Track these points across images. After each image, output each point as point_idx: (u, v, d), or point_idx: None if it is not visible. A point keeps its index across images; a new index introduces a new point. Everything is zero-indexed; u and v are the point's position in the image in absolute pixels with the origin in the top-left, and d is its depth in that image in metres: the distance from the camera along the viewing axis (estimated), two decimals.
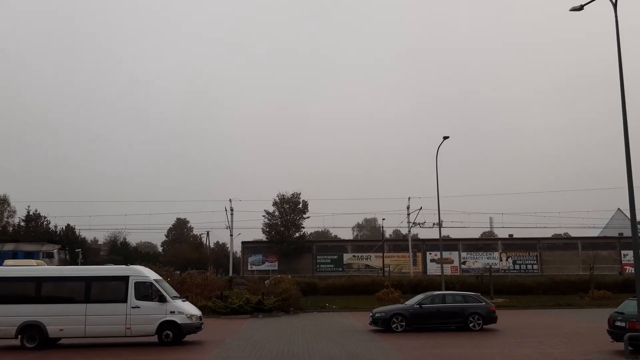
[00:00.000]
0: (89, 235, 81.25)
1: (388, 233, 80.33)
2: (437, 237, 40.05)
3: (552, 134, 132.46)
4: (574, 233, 68.37)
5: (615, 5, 16.42)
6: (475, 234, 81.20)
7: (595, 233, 68.53)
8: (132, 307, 19.07)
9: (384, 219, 64.76)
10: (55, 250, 47.58)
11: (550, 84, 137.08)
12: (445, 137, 34.93)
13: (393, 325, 22.94)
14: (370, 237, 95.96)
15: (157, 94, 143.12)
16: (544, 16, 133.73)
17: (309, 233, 69.17)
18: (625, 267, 55.92)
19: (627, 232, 54.67)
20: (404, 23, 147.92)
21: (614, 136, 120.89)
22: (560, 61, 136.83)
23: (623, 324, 16.69)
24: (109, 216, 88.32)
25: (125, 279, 19.46)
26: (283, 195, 63.47)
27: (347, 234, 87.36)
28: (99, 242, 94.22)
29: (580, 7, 17.40)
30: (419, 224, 58.65)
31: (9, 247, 47.51)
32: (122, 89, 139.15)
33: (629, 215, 16.72)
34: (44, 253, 46.37)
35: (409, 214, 58.90)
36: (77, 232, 70.31)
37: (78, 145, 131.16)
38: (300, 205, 63.42)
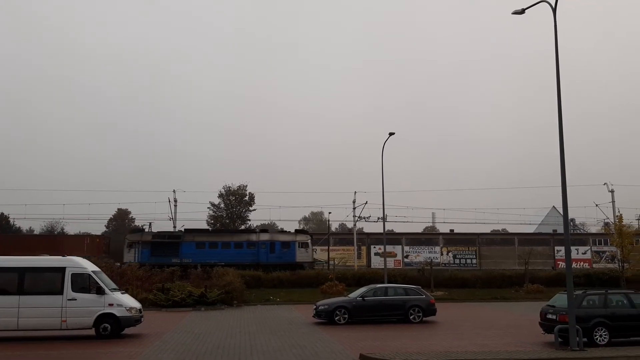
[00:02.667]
0: (24, 225, 77.94)
1: (334, 226, 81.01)
2: (382, 231, 40.66)
3: (493, 139, 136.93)
4: (511, 229, 70.94)
5: (554, 10, 17.06)
6: (418, 228, 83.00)
7: (531, 229, 71.32)
8: (68, 300, 18.50)
9: (330, 213, 65.30)
10: (309, 240, 46.61)
11: (496, 94, 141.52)
12: (391, 134, 35.39)
13: (336, 318, 23.18)
14: (316, 231, 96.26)
15: (102, 66, 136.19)
16: (490, 34, 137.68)
17: (255, 225, 68.81)
18: (558, 262, 58.33)
19: (561, 229, 57.11)
20: (368, 30, 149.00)
21: (550, 141, 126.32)
22: (502, 76, 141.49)
23: (554, 317, 17.47)
24: (45, 205, 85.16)
25: (61, 270, 18.84)
26: (229, 187, 62.90)
27: (293, 227, 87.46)
28: (35, 232, 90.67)
29: (522, 11, 18.00)
30: (364, 218, 59.40)
31: (264, 237, 46.01)
32: (61, 59, 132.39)
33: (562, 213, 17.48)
34: (300, 243, 45.33)
35: (354, 208, 59.55)
36: (11, 221, 67.52)
37: (15, 125, 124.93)
38: (247, 198, 62.98)
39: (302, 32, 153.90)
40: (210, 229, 53.38)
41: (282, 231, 52.03)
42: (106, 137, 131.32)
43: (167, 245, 43.05)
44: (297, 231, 49.09)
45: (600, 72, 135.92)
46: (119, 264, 38.38)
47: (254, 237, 46.00)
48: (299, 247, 44.78)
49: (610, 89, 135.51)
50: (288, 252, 43.92)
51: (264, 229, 52.77)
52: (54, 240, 44.94)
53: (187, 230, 47.21)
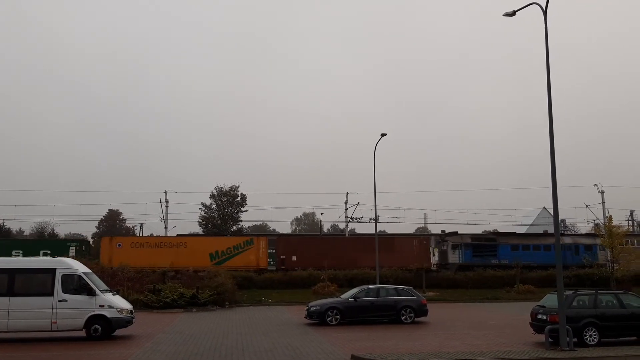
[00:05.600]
0: (14, 226, 77.56)
1: (326, 227, 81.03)
2: (374, 232, 40.70)
3: (484, 140, 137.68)
4: (502, 230, 71.05)
5: (545, 12, 17.16)
6: (410, 229, 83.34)
7: (522, 230, 71.51)
8: (58, 301, 18.40)
9: (322, 214, 65.66)
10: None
11: (489, 96, 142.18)
12: (383, 135, 35.47)
13: (328, 319, 23.18)
14: (308, 231, 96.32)
15: (90, 65, 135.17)
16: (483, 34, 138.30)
17: (246, 226, 68.76)
18: None
19: (551, 230, 57.18)
20: (366, 30, 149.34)
21: (541, 142, 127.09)
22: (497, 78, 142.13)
23: (544, 317, 17.54)
24: (36, 206, 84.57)
25: (52, 271, 18.74)
26: (221, 187, 62.74)
27: (285, 228, 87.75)
28: (25, 233, 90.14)
29: (513, 13, 18.10)
30: (356, 218, 59.53)
31: (567, 240, 47.57)
32: (52, 59, 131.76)
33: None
34: (601, 246, 45.65)
35: (346, 209, 59.63)
36: (1, 222, 67.02)
37: (4, 125, 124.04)
38: (239, 198, 62.84)
39: (297, 32, 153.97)
40: (516, 232, 55.15)
41: (579, 234, 54.76)
42: (97, 137, 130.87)
43: (486, 247, 46.49)
44: (592, 235, 50.94)
45: (592, 72, 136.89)
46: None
47: None
48: (600, 249, 46.64)
49: (602, 90, 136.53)
50: (591, 255, 46.22)
51: (512, 232, 54.54)
52: (388, 241, 47.62)
53: (497, 233, 50.58)
